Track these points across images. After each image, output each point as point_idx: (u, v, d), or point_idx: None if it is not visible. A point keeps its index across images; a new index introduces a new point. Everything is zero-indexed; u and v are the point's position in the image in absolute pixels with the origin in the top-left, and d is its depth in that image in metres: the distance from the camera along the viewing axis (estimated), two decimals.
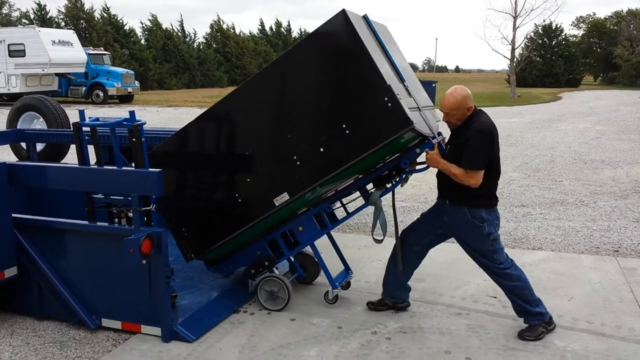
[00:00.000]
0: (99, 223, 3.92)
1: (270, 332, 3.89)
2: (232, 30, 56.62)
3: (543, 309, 3.86)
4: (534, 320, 3.83)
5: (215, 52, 52.18)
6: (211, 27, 55.78)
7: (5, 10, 45.96)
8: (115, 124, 3.83)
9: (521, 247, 5.78)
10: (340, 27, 3.53)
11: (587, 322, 4.05)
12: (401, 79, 3.80)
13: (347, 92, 3.59)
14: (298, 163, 3.73)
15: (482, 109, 3.85)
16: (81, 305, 3.88)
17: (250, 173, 3.92)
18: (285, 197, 3.80)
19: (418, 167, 4.02)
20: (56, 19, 44.49)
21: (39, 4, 44.03)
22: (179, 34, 51.44)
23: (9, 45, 24.82)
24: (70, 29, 34.19)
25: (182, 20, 63.06)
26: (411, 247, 4.12)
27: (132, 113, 3.79)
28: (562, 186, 8.74)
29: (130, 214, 3.81)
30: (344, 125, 3.56)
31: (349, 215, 4.34)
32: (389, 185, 4.07)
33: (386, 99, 3.41)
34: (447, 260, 5.26)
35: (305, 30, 69.91)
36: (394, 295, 4.21)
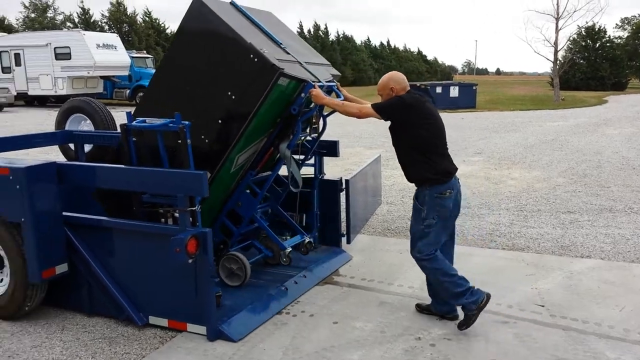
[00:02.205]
0: (146, 222, 3.99)
1: (312, 335, 3.89)
2: None
3: (461, 301, 3.90)
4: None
5: None
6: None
7: (50, 14, 47.37)
8: (161, 126, 3.89)
9: (569, 255, 5.63)
10: (199, 10, 3.98)
11: (639, 333, 3.91)
12: (277, 44, 4.29)
13: (223, 64, 3.95)
14: (206, 141, 4.03)
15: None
16: (129, 302, 3.95)
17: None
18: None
19: (308, 111, 4.40)
20: (100, 23, 45.72)
21: (82, 8, 45.31)
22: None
23: (55, 48, 25.60)
24: (114, 32, 35.04)
25: None
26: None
27: (177, 116, 3.85)
28: (610, 192, 8.48)
29: (177, 214, 3.87)
30: (229, 93, 3.93)
31: (273, 173, 4.65)
32: (292, 137, 4.43)
33: (251, 55, 3.82)
34: (493, 266, 5.17)
35: (343, 33, 70.01)
36: (443, 309, 4.14)
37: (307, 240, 4.93)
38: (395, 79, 4.01)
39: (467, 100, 25.74)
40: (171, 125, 3.81)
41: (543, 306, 4.32)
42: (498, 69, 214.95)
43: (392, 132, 4.05)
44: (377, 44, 78.87)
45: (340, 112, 4.20)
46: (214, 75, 4.01)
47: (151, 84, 4.45)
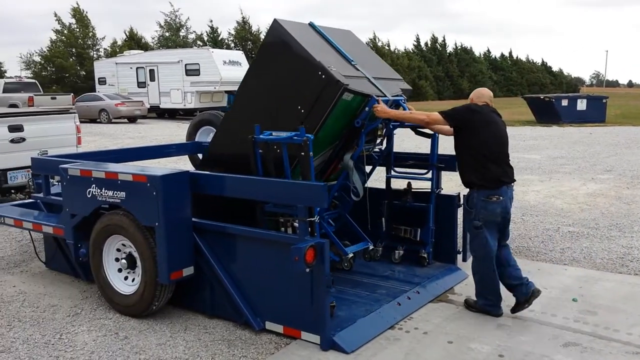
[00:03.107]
0: (267, 231, 4.15)
1: (426, 353, 3.81)
2: (387, 48, 57.22)
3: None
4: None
5: None
6: (367, 45, 56.91)
7: (182, 33, 50.90)
8: (286, 139, 4.04)
9: None
10: (277, 31, 4.37)
11: None
12: (348, 61, 4.61)
13: (295, 80, 4.27)
14: (278, 151, 4.24)
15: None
16: (248, 307, 4.11)
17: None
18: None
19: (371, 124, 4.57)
20: (226, 41, 48.37)
21: (211, 27, 48.24)
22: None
23: (185, 65, 27.44)
24: (239, 49, 36.90)
25: None
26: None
27: (302, 129, 3.97)
28: None
29: (296, 224, 3.98)
30: (299, 107, 4.22)
31: (338, 182, 4.81)
32: (356, 148, 4.64)
33: (319, 72, 4.11)
34: (623, 293, 4.79)
35: (461, 45, 68.58)
36: (524, 291, 4.35)
37: (372, 247, 5.03)
38: (477, 93, 4.49)
39: (596, 114, 24.10)
40: (295, 138, 3.95)
41: None
42: (630, 81, 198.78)
43: (455, 137, 4.38)
44: (498, 55, 76.33)
45: (409, 122, 4.65)
46: (288, 90, 4.34)
47: (236, 98, 4.77)
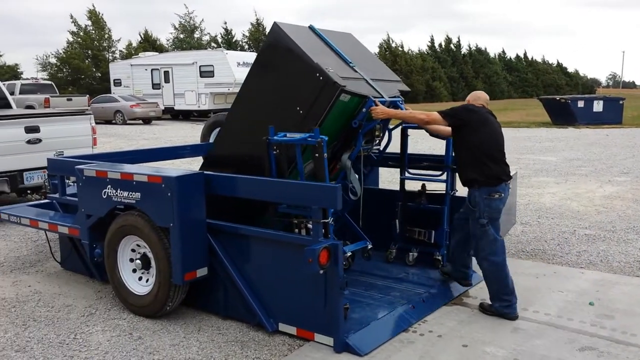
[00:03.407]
0: (281, 232, 4.14)
1: (441, 356, 3.78)
2: (401, 49, 57.08)
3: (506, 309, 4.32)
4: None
5: None
6: (380, 46, 56.80)
7: (197, 35, 51.16)
8: (301, 140, 4.03)
9: None
10: (277, 33, 4.45)
11: None
12: (346, 63, 4.67)
13: (294, 81, 4.35)
14: (278, 151, 4.26)
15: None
16: (261, 308, 4.11)
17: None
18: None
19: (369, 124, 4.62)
20: (240, 42, 48.53)
21: (225, 29, 48.45)
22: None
23: (200, 66, 27.58)
24: (253, 51, 37.02)
25: None
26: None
27: (316, 130, 3.96)
28: None
29: (310, 225, 3.97)
30: (298, 108, 4.28)
31: (337, 182, 4.74)
32: (353, 149, 4.70)
33: (317, 74, 4.16)
34: None
35: (476, 46, 68.25)
36: (457, 275, 4.79)
37: (370, 246, 5.03)
38: (474, 96, 4.68)
39: (613, 116, 23.83)
40: (309, 139, 3.94)
41: None
42: None
43: (454, 136, 4.54)
44: (513, 56, 75.82)
45: (409, 121, 4.77)
46: (287, 91, 4.42)
47: (237, 99, 4.80)
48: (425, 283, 4.89)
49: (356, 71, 4.67)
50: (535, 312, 4.45)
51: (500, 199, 4.34)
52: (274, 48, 4.53)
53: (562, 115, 23.88)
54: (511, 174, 4.50)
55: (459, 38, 75.50)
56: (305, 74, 4.25)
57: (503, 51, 75.97)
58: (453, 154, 5.14)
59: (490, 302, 4.44)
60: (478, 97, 4.63)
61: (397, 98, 4.83)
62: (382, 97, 4.63)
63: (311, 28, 4.89)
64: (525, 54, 77.37)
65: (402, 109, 4.77)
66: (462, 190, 5.61)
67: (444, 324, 4.25)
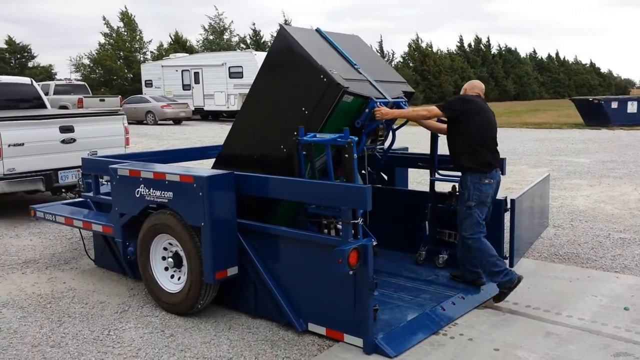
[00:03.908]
0: (311, 232, 4.15)
1: None
2: (430, 49, 56.69)
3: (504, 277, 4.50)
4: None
5: (412, 71, 52.67)
6: (409, 46, 56.54)
7: (226, 36, 51.61)
8: (330, 141, 4.04)
9: None
10: (283, 36, 4.58)
11: None
12: (351, 64, 4.79)
13: (299, 83, 4.45)
14: (284, 150, 4.46)
15: None
16: (291, 308, 4.12)
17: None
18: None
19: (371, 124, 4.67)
20: (269, 43, 48.75)
21: (254, 30, 48.77)
22: (378, 53, 52.98)
23: (229, 67, 27.85)
24: None
25: (381, 41, 65.03)
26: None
27: (346, 131, 3.96)
28: None
29: (340, 226, 3.97)
30: (303, 109, 4.37)
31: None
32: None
33: (321, 76, 4.27)
34: None
35: (506, 46, 67.41)
36: (470, 277, 4.82)
37: (375, 242, 4.89)
38: (471, 85, 4.89)
39: None
40: (339, 139, 3.94)
41: None
42: None
43: (449, 125, 4.75)
44: (544, 56, 74.60)
45: (413, 119, 4.87)
46: (293, 93, 4.52)
47: (246, 99, 4.89)
48: (455, 285, 4.85)
49: (360, 73, 4.79)
50: (569, 317, 4.37)
51: (490, 184, 4.63)
52: (280, 51, 4.65)
53: (595, 116, 23.41)
54: (500, 162, 4.82)
55: (488, 38, 74.70)
56: (310, 76, 4.36)
57: (534, 51, 74.89)
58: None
59: (490, 282, 4.70)
60: (475, 86, 4.85)
61: (401, 99, 4.92)
62: (385, 97, 4.72)
63: (318, 31, 5.02)
64: (557, 54, 76.15)
65: (405, 109, 4.88)
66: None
67: (475, 327, 4.21)
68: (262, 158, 4.64)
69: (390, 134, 5.12)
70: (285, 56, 4.57)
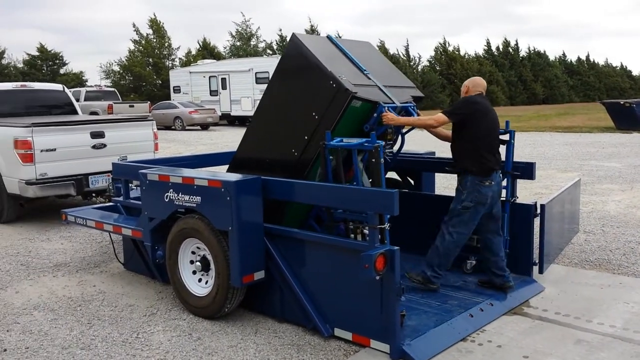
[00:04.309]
0: (338, 237, 4.15)
1: None
2: (457, 52, 56.29)
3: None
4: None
5: (439, 75, 52.34)
6: (436, 50, 56.23)
7: (253, 42, 52.02)
8: (357, 145, 4.04)
9: None
10: (295, 43, 4.67)
11: None
12: (361, 70, 4.86)
13: (310, 88, 4.53)
14: (296, 154, 4.56)
15: None
16: (317, 312, 4.12)
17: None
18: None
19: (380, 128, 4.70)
20: None
21: (280, 36, 49.04)
22: (404, 58, 52.81)
23: (256, 73, 28.05)
24: None
25: (407, 45, 64.84)
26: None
27: (372, 135, 3.96)
28: None
29: (366, 231, 3.96)
30: (313, 113, 4.46)
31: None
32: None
33: (330, 81, 4.36)
34: None
35: (534, 49, 66.57)
36: (499, 281, 4.80)
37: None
38: (473, 82, 4.86)
39: None
40: (366, 144, 3.94)
41: None
42: None
43: (454, 127, 4.72)
44: (574, 59, 73.41)
45: (419, 127, 4.91)
46: (304, 98, 4.61)
47: (260, 104, 5.00)
48: (483, 292, 4.79)
49: (369, 78, 4.86)
50: (600, 324, 4.28)
51: (489, 186, 4.62)
52: (292, 57, 4.74)
53: (626, 119, 22.89)
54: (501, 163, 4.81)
55: (516, 41, 73.73)
56: (319, 82, 4.45)
57: (563, 54, 73.87)
58: (513, 160, 5.04)
59: (427, 272, 4.74)
60: (477, 84, 4.82)
61: (409, 104, 4.96)
62: (394, 102, 4.77)
63: (329, 38, 5.13)
64: (587, 57, 74.88)
65: (414, 114, 4.93)
66: (522, 197, 5.47)
67: (504, 334, 4.15)
68: (273, 162, 4.74)
69: (400, 137, 5.15)
70: (297, 62, 4.67)
